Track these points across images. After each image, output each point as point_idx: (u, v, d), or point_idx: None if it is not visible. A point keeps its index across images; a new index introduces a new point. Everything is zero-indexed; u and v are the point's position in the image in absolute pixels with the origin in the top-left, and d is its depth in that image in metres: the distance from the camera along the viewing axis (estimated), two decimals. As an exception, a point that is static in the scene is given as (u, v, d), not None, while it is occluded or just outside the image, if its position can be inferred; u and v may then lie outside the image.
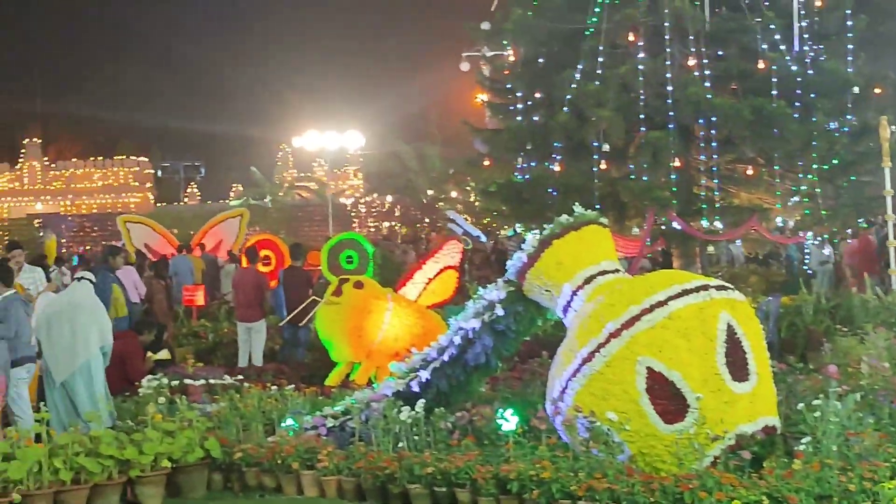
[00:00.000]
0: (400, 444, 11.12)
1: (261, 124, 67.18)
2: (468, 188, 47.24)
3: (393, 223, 51.48)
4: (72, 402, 12.81)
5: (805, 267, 24.58)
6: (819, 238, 24.21)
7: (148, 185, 65.42)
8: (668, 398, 9.61)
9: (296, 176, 65.63)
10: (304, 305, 18.12)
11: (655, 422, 9.61)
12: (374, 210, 53.47)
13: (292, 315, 18.40)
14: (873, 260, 22.59)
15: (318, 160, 62.06)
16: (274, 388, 13.58)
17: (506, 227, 30.51)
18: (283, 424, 12.42)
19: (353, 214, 52.23)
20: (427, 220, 51.20)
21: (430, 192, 55.63)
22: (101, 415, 12.23)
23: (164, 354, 16.73)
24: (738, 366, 9.77)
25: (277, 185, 62.99)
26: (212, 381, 14.81)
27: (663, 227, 21.69)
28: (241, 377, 15.45)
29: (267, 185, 61.92)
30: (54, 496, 10.61)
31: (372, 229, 50.11)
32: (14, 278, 14.32)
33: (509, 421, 10.69)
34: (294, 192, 62.28)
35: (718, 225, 21.35)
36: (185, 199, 68.29)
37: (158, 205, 63.71)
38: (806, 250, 24.61)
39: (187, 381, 14.72)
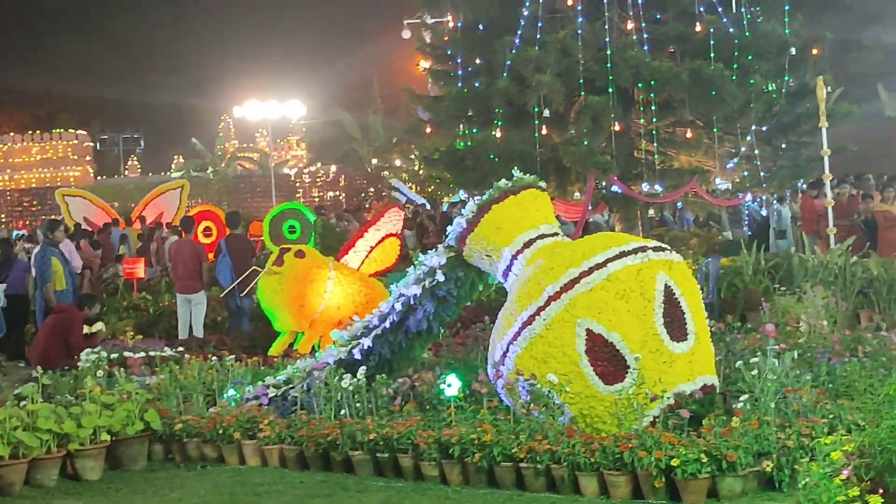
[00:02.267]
0: (342, 412, 11.11)
1: (201, 95, 66.70)
2: (412, 156, 47.21)
3: (337, 193, 51.26)
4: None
5: (775, 227, 24.69)
6: (759, 199, 24.41)
7: (87, 158, 64.59)
8: (607, 359, 9.65)
9: (237, 147, 65.18)
10: (245, 275, 18.03)
11: (595, 383, 9.65)
12: (318, 180, 53.18)
13: (233, 285, 18.30)
14: (811, 219, 22.82)
15: (260, 130, 61.74)
16: (215, 359, 13.53)
17: (450, 194, 30.53)
18: (224, 395, 12.39)
19: (296, 185, 51.95)
20: (372, 189, 51.04)
21: (374, 161, 55.49)
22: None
23: (98, 327, 16.60)
24: (676, 326, 9.83)
25: (219, 157, 62.56)
26: (152, 353, 14.71)
27: (604, 191, 21.77)
28: (181, 349, 15.36)
29: (208, 156, 61.50)
30: (-8, 470, 10.53)
31: (316, 199, 49.88)
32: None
33: (451, 386, 10.70)
34: (236, 163, 61.88)
35: (659, 188, 21.44)
36: (126, 172, 67.65)
37: (99, 178, 63.04)
38: (776, 210, 24.70)
39: (127, 353, 14.63)
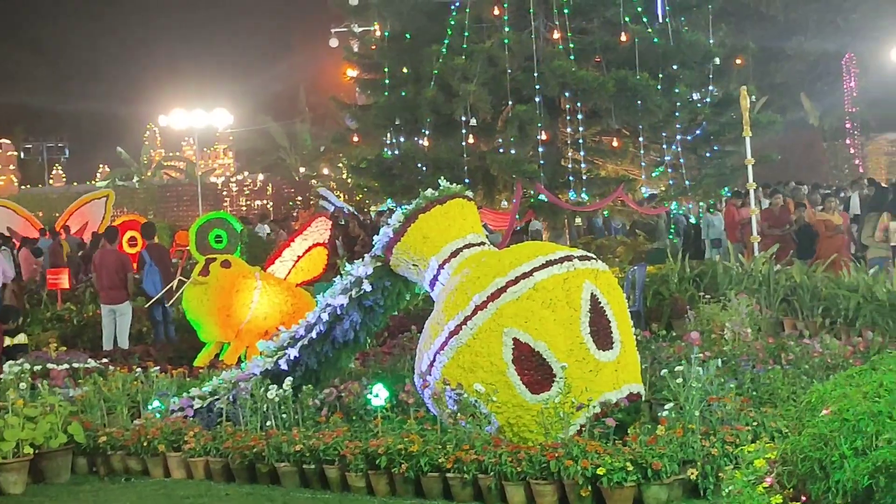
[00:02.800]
0: (268, 423, 11.05)
1: (127, 103, 65.91)
2: (339, 165, 47.07)
3: (265, 201, 50.97)
4: None
5: (705, 237, 24.90)
6: (684, 207, 24.60)
7: (11, 167, 63.76)
8: (534, 368, 9.67)
9: (164, 155, 64.58)
10: (170, 285, 17.87)
11: (522, 392, 9.67)
12: (245, 189, 52.85)
13: (160, 294, 18.14)
14: (735, 228, 23.09)
15: (186, 139, 61.19)
16: (139, 370, 13.38)
17: (377, 203, 30.46)
18: (149, 407, 12.26)
19: (223, 194, 51.58)
20: (299, 198, 50.81)
21: (301, 170, 55.23)
22: None
23: (21, 339, 16.37)
24: (602, 335, 9.88)
25: (145, 165, 61.95)
26: (76, 365, 14.51)
27: (532, 200, 21.82)
28: (106, 360, 15.17)
29: (134, 165, 60.86)
30: (-89, 487, 10.35)
31: (244, 208, 49.56)
32: None
33: (379, 396, 10.67)
34: (162, 172, 61.33)
35: (585, 196, 21.54)
36: (51, 181, 66.80)
37: (23, 187, 62.19)
38: (708, 219, 24.90)
39: (50, 365, 14.40)
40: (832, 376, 7.74)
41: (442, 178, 11.77)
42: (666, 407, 9.58)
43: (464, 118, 21.09)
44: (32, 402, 11.81)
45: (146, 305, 18.76)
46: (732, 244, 20.52)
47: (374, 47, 24.79)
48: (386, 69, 23.16)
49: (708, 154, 22.32)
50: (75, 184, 60.94)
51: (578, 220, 26.06)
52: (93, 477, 11.60)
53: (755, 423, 9.37)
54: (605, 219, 29.00)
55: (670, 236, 24.79)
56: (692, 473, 8.77)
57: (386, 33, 23.84)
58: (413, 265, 11.19)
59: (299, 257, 17.27)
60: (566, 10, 21.05)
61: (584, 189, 21.46)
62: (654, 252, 21.95)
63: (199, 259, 16.62)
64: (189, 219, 39.10)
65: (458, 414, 9.74)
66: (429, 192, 11.35)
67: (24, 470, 11.14)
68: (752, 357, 11.71)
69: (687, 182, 21.67)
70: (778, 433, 8.82)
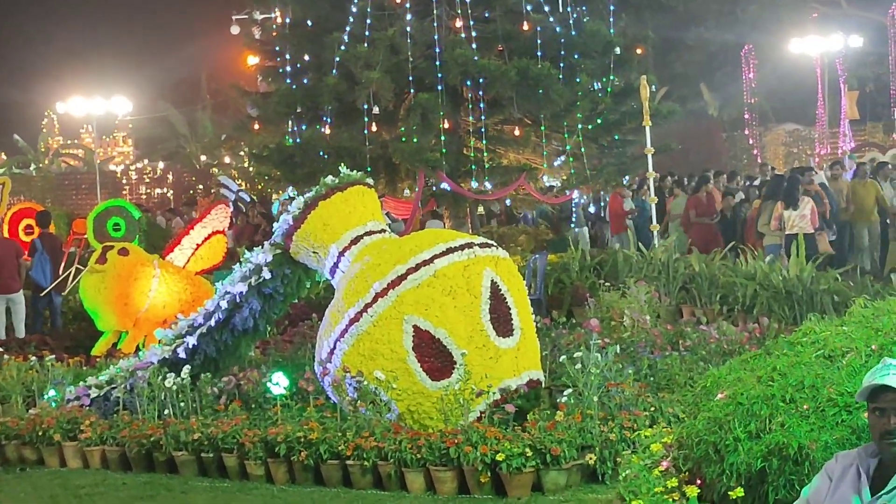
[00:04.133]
0: (166, 412, 10.92)
1: (23, 90, 64.72)
2: (241, 153, 46.71)
3: (165, 190, 50.42)
4: None
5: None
6: (585, 197, 24.78)
7: None
8: (434, 355, 9.69)
9: (62, 143, 63.53)
10: (66, 274, 17.59)
11: (423, 379, 9.68)
12: (145, 177, 52.19)
13: (56, 283, 17.87)
14: (621, 216, 23.48)
15: (84, 126, 60.27)
16: (35, 359, 13.16)
17: (279, 191, 30.25)
18: (45, 396, 12.07)
19: (123, 181, 50.91)
20: (200, 186, 50.32)
21: (202, 158, 54.70)
22: None
23: None
24: (502, 321, 9.92)
25: (42, 153, 60.90)
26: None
27: (434, 189, 21.82)
28: (0, 350, 14.89)
29: (31, 152, 59.76)
30: None
31: (143, 196, 48.94)
32: None
33: (279, 384, 10.60)
34: (60, 160, 60.32)
35: (488, 185, 21.58)
36: (-55, 169, 65.47)
37: (-84, 175, 60.83)
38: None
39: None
40: (728, 362, 7.85)
41: (343, 165, 11.71)
42: (565, 393, 9.64)
43: (366, 106, 20.97)
44: (-77, 392, 11.59)
45: (42, 294, 18.47)
46: (615, 234, 20.78)
47: (275, 34, 24.53)
48: (287, 56, 22.96)
49: (609, 143, 22.47)
50: (-30, 171, 59.74)
51: (480, 209, 26.12)
52: (-16, 471, 11.40)
53: (653, 409, 9.46)
54: (505, 208, 29.10)
55: (572, 225, 24.92)
56: (590, 458, 8.83)
57: (287, 20, 23.64)
58: (313, 252, 11.13)
59: (198, 245, 17.09)
60: (468, -1, 21.06)
61: (486, 178, 21.50)
62: (555, 241, 22.09)
63: (96, 247, 16.37)
64: (87, 207, 38.49)
65: (359, 401, 9.71)
66: (329, 179, 11.29)
67: (-86, 462, 10.92)
68: (651, 343, 11.83)
69: (588, 171, 21.80)
70: (675, 418, 8.89)
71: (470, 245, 10.19)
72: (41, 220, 19.99)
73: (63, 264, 19.37)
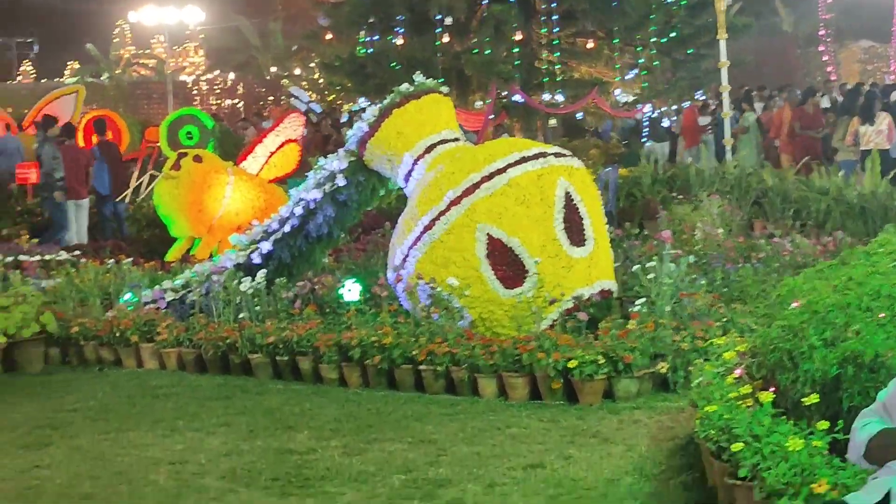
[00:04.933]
0: (241, 315, 11.06)
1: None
2: (312, 64, 46.66)
3: (235, 101, 50.59)
4: None
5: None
6: (659, 111, 24.59)
7: (-21, 63, 62.91)
8: (507, 264, 9.72)
9: (133, 53, 63.77)
10: (140, 181, 17.81)
11: (495, 287, 9.73)
12: (216, 88, 52.39)
13: (131, 189, 18.11)
14: (695, 130, 23.24)
15: (156, 36, 60.39)
16: (112, 262, 13.38)
17: (350, 102, 30.28)
18: (121, 299, 12.26)
19: (193, 92, 51.14)
20: (271, 97, 50.43)
21: (273, 69, 54.72)
22: None
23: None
24: (575, 231, 9.92)
25: (114, 62, 61.21)
26: (47, 257, 14.50)
27: (505, 101, 21.76)
28: (77, 253, 15.14)
29: (103, 61, 60.09)
30: None
31: (214, 107, 49.13)
32: None
33: (352, 291, 10.71)
34: (132, 70, 60.63)
35: (560, 98, 21.49)
36: (20, 77, 65.97)
37: (-8, 83, 61.41)
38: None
39: (22, 257, 14.38)
40: (803, 272, 7.82)
41: (417, 73, 11.70)
42: (637, 303, 9.66)
43: (438, 17, 20.93)
44: (4, 292, 11.82)
45: (118, 199, 18.73)
46: (688, 148, 20.61)
47: (348, -57, 24.46)
48: (361, -35, 22.89)
49: (682, 57, 22.27)
50: (44, 80, 60.24)
51: (552, 122, 26.00)
52: (65, 367, 11.65)
53: (725, 319, 9.44)
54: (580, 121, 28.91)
55: (644, 139, 24.78)
56: (662, 367, 8.86)
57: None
58: (387, 160, 11.17)
59: (272, 153, 17.18)
60: None
61: (558, 91, 21.41)
62: (626, 155, 21.99)
63: (169, 155, 16.52)
64: (159, 116, 38.76)
65: (431, 308, 9.79)
66: (403, 86, 11.29)
67: (-3, 359, 11.19)
68: (723, 256, 11.80)
69: (661, 85, 21.64)
70: (747, 329, 8.89)
71: (544, 154, 10.18)
72: (98, 127, 20.19)
73: (137, 171, 19.61)
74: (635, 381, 8.79)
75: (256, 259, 11.67)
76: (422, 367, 9.38)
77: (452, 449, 7.55)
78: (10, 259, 14.05)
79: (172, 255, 15.87)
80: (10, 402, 10.09)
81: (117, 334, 11.30)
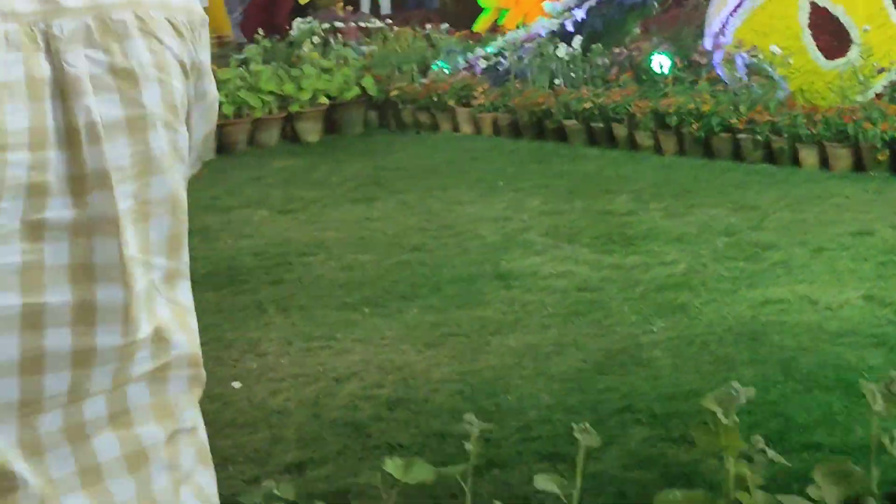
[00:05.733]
0: (556, 81, 11.12)
1: None
2: None
3: None
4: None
5: None
6: None
7: None
8: (830, 33, 9.45)
9: None
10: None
11: (817, 57, 9.50)
12: None
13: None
14: None
15: None
16: (429, 26, 13.60)
17: None
18: (435, 65, 12.49)
19: None
20: None
21: None
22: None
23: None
24: (904, 0, 9.52)
25: None
26: (362, 24, 14.85)
27: None
28: (389, 21, 15.44)
29: None
30: (219, 129, 10.94)
31: None
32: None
33: (662, 67, 10.61)
34: None
35: None
36: None
37: None
38: None
39: (338, 24, 14.77)
40: None
41: None
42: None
43: None
44: (325, 57, 12.23)
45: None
46: None
47: None
48: None
49: None
50: None
51: None
52: (383, 129, 12.06)
53: None
54: None
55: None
56: None
57: None
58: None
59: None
60: None
61: None
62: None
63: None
64: None
65: (750, 77, 9.62)
66: None
67: (320, 119, 11.64)
68: None
69: None
70: None
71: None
72: None
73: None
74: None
75: (570, 27, 11.65)
76: (740, 135, 9.28)
77: (775, 215, 7.52)
78: (326, 26, 14.46)
79: (480, 25, 15.94)
80: (332, 159, 10.56)
81: (434, 98, 11.57)
